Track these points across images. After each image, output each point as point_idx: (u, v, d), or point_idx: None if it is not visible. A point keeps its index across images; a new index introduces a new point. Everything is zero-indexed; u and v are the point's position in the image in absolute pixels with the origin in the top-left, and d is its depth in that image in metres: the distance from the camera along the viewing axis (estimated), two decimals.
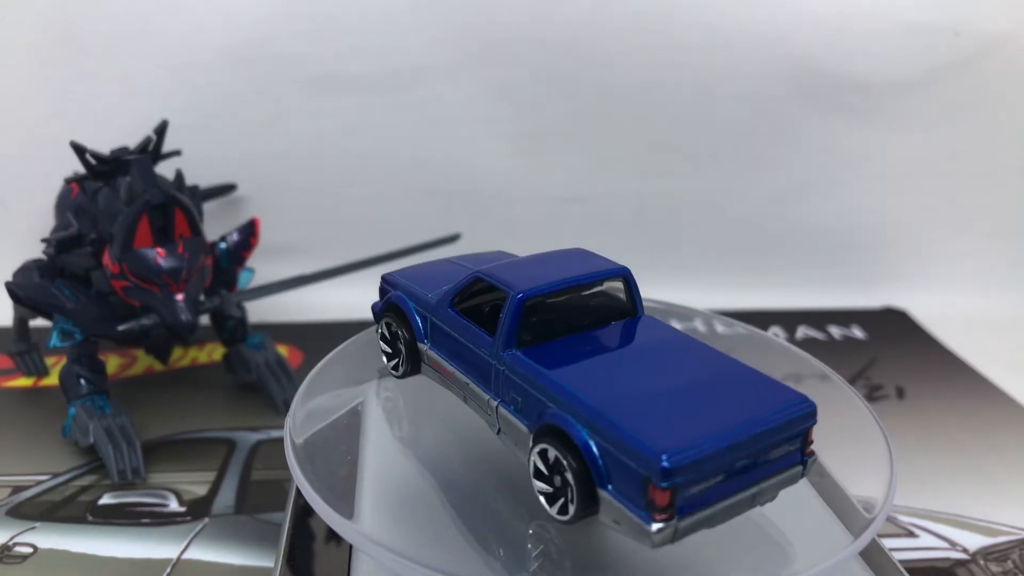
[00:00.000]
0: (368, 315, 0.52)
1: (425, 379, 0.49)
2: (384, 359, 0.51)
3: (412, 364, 0.48)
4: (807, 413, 0.37)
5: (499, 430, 0.42)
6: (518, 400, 0.40)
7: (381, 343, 0.51)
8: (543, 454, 0.38)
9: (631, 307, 0.45)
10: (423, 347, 0.47)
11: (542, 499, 0.38)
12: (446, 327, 0.45)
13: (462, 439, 0.48)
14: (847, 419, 0.47)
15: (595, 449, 0.35)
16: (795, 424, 0.37)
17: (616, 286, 0.45)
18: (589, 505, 0.36)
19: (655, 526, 0.34)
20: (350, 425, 0.50)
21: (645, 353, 0.41)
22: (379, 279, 0.52)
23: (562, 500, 0.37)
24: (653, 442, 0.33)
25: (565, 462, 0.36)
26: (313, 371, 0.50)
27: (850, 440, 0.43)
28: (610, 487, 0.35)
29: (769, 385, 0.38)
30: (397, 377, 0.50)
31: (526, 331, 0.41)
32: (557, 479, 0.37)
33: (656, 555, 0.39)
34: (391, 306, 0.49)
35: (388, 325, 0.50)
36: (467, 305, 0.45)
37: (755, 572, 0.39)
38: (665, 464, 0.33)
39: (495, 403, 0.42)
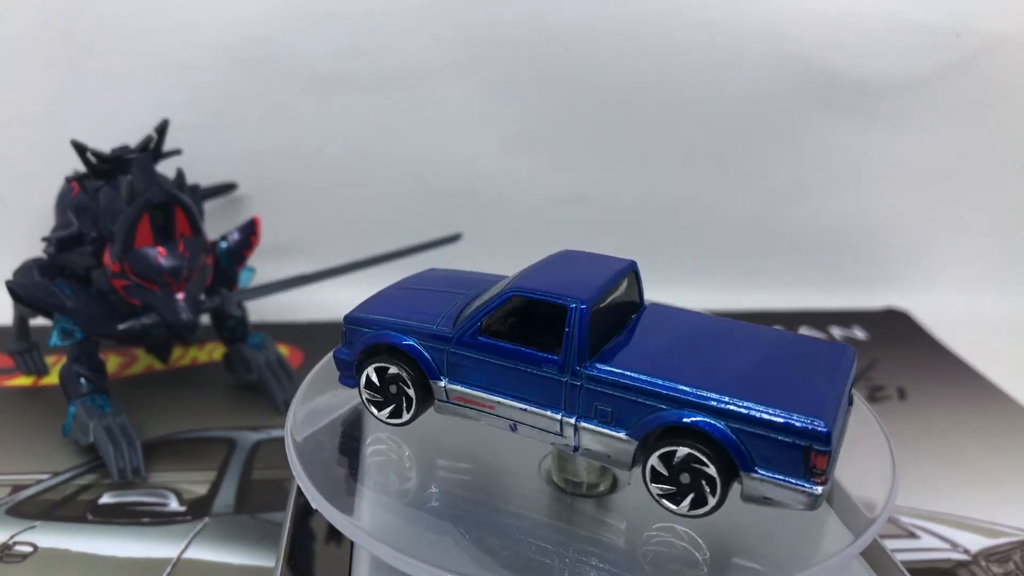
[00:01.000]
0: None
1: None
2: (373, 410, 0.46)
3: (421, 406, 0.44)
4: (853, 355, 0.43)
5: (577, 448, 0.40)
6: (608, 411, 0.39)
7: (366, 392, 0.45)
8: (665, 456, 0.38)
9: (638, 299, 0.46)
10: (440, 384, 0.43)
11: (665, 502, 0.39)
12: (478, 356, 0.42)
13: (462, 437, 0.48)
14: (850, 421, 0.47)
15: (734, 436, 0.37)
16: (853, 367, 0.42)
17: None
18: (726, 493, 0.38)
19: (819, 489, 0.36)
20: (350, 424, 0.50)
21: (695, 338, 0.43)
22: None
23: (692, 495, 0.38)
24: (803, 415, 0.36)
25: (703, 456, 0.37)
26: (313, 370, 0.50)
27: (852, 441, 0.43)
28: (757, 468, 0.37)
29: (810, 342, 0.44)
30: (398, 425, 0.45)
31: (593, 341, 0.40)
32: (684, 476, 0.38)
33: (657, 552, 0.39)
34: (378, 348, 0.44)
35: (381, 370, 0.44)
36: (499, 328, 0.42)
37: (757, 571, 0.39)
38: (824, 430, 0.36)
39: (572, 420, 0.40)
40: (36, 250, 0.62)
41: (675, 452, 0.38)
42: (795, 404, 0.37)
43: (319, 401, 0.49)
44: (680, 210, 0.88)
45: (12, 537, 0.51)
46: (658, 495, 0.39)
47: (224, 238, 0.67)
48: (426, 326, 0.43)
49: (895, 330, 0.83)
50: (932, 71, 0.84)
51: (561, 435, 0.41)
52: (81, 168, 0.61)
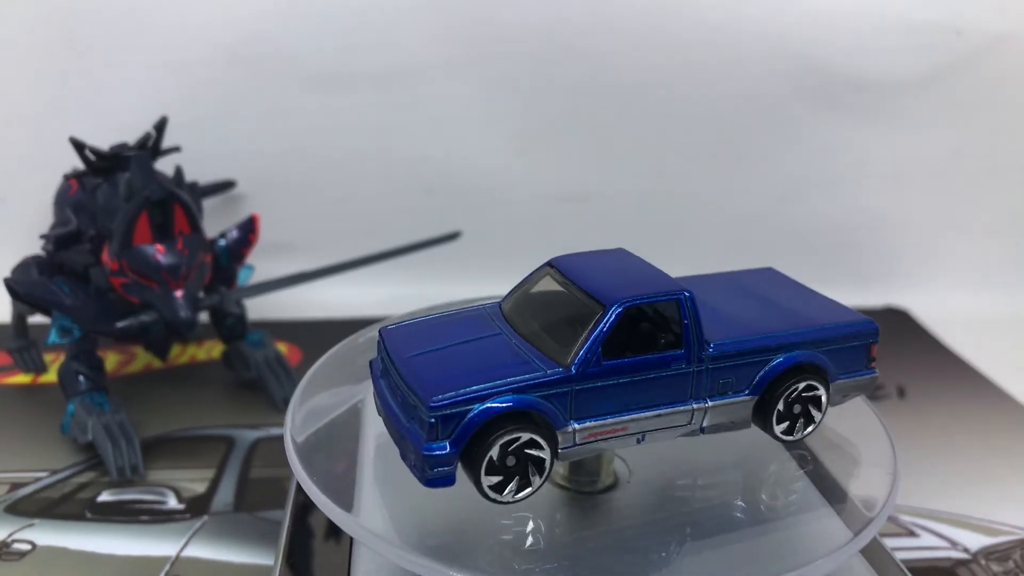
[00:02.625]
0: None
1: None
2: (496, 496, 0.38)
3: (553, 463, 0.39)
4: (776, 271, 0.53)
5: (703, 429, 0.42)
6: (731, 381, 0.42)
7: (486, 479, 0.38)
8: (788, 394, 0.43)
9: None
10: (568, 430, 0.39)
11: (785, 437, 0.43)
12: (604, 383, 0.39)
13: None
14: (850, 418, 0.47)
15: (826, 358, 0.43)
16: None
17: None
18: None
19: (876, 371, 0.45)
20: (349, 422, 0.50)
21: (737, 295, 0.47)
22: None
23: (803, 420, 0.44)
24: (855, 320, 0.45)
25: (816, 383, 0.43)
26: (313, 368, 0.50)
27: (853, 439, 0.43)
28: (840, 374, 0.44)
29: (771, 273, 0.52)
30: (529, 496, 0.39)
31: None
32: (796, 407, 0.43)
33: (659, 549, 0.39)
34: (505, 417, 0.37)
35: (507, 445, 0.37)
36: (614, 346, 0.39)
37: (756, 568, 0.39)
38: (875, 324, 0.45)
39: (702, 405, 0.41)
40: (34, 247, 0.62)
41: (795, 388, 0.42)
42: (838, 315, 0.45)
43: (318, 399, 0.49)
44: (680, 209, 0.88)
45: (10, 535, 0.51)
46: (781, 433, 0.43)
47: (223, 236, 0.66)
48: (536, 376, 0.38)
49: (894, 328, 0.83)
50: (932, 70, 0.84)
51: (690, 424, 0.41)
52: (79, 165, 0.61)
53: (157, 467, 0.58)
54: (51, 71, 0.80)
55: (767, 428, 0.43)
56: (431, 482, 0.37)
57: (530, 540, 0.40)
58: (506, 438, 0.37)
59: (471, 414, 0.37)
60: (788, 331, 0.43)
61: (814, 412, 0.44)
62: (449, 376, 0.38)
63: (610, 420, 0.40)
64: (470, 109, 0.84)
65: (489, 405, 0.37)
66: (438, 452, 0.36)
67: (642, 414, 0.40)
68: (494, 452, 0.37)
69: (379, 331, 0.42)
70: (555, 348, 0.39)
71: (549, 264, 0.44)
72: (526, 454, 0.38)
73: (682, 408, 0.41)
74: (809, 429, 0.44)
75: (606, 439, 0.40)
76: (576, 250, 0.45)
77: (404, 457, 0.38)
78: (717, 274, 0.50)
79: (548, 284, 0.43)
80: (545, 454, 0.38)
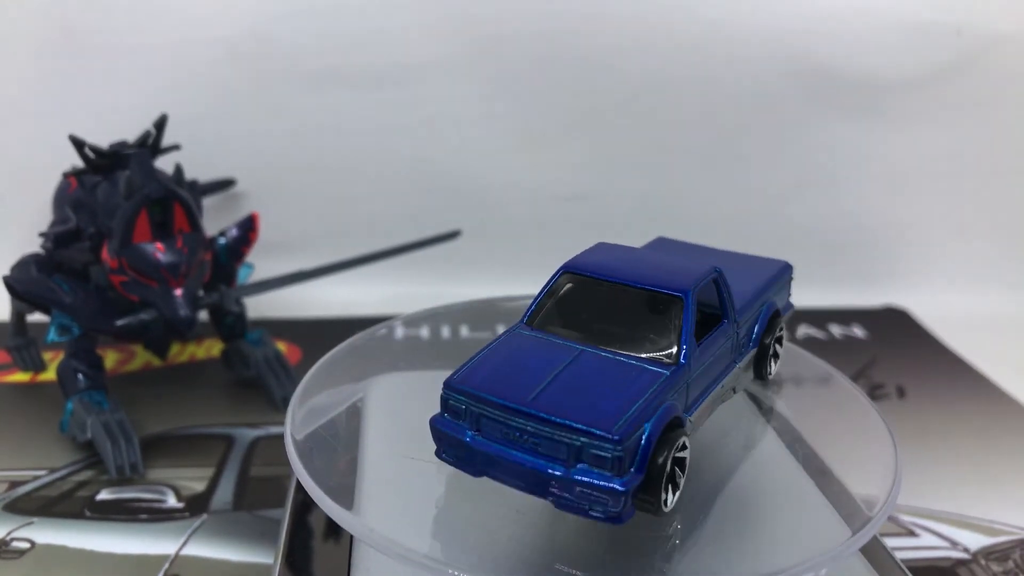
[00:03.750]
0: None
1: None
2: (664, 509, 0.36)
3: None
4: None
5: (734, 390, 0.45)
6: (745, 339, 0.45)
7: (666, 496, 0.36)
8: (775, 338, 0.48)
9: None
10: (688, 422, 0.39)
11: (768, 378, 0.48)
12: (700, 367, 0.39)
13: None
14: (851, 417, 0.47)
15: (778, 299, 0.50)
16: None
17: None
18: None
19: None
20: (350, 421, 0.50)
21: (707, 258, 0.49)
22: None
23: (772, 359, 0.48)
24: (781, 261, 0.52)
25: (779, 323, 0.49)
26: (315, 367, 0.50)
27: (855, 438, 0.43)
28: (784, 311, 0.50)
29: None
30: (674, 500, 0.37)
31: None
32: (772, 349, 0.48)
33: (658, 548, 0.39)
34: (665, 429, 0.36)
35: (668, 463, 0.36)
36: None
37: (754, 567, 0.39)
38: (790, 263, 0.53)
39: (738, 366, 0.44)
40: (34, 246, 0.62)
41: (780, 332, 0.49)
42: (763, 262, 0.51)
43: (319, 398, 0.49)
44: (679, 208, 0.88)
45: (9, 533, 0.51)
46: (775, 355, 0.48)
47: (223, 234, 0.66)
48: (663, 379, 0.37)
49: (894, 328, 0.83)
50: (932, 70, 0.84)
51: (733, 390, 0.44)
52: (79, 163, 0.61)
53: (156, 465, 0.58)
54: (51, 69, 0.80)
55: (762, 374, 0.47)
56: (626, 517, 0.35)
57: (529, 539, 0.40)
58: (676, 451, 0.36)
59: (645, 436, 0.35)
60: (763, 284, 0.47)
61: (779, 349, 0.49)
62: (598, 406, 0.35)
63: (704, 402, 0.40)
64: (470, 109, 0.84)
65: (651, 423, 0.35)
66: (634, 483, 0.34)
67: (716, 388, 0.42)
68: (668, 466, 0.36)
69: (449, 384, 0.38)
70: (647, 348, 0.39)
71: (566, 270, 0.42)
72: (677, 458, 0.37)
73: (731, 374, 0.43)
74: (777, 364, 0.49)
75: (700, 425, 0.40)
76: (576, 250, 0.45)
77: (565, 504, 0.35)
78: (632, 247, 0.48)
79: (576, 290, 0.42)
80: (687, 453, 0.37)
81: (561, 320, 0.41)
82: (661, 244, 0.54)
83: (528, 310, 0.42)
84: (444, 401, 0.38)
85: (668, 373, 0.37)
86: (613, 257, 0.43)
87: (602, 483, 0.34)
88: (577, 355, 0.38)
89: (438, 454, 0.38)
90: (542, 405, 0.35)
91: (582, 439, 0.34)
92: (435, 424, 0.38)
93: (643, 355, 0.38)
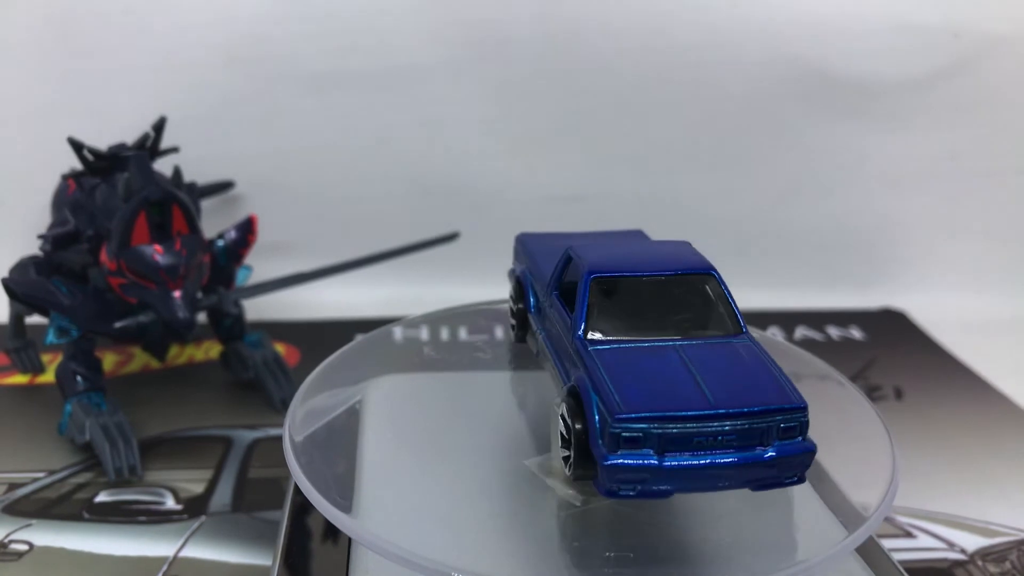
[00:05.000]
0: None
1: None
2: None
3: None
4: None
5: None
6: None
7: None
8: None
9: None
10: None
11: None
12: None
13: (461, 436, 0.48)
14: (849, 418, 0.47)
15: None
16: None
17: None
18: None
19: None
20: (348, 423, 0.50)
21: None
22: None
23: None
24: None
25: None
26: (317, 369, 0.50)
27: (853, 438, 0.43)
28: None
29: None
30: None
31: None
32: None
33: (654, 549, 0.39)
34: None
35: None
36: None
37: (751, 566, 0.39)
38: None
39: None
40: (32, 248, 0.62)
41: None
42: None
43: (317, 400, 0.49)
44: (677, 210, 0.88)
45: (8, 535, 0.51)
46: None
47: (221, 236, 0.66)
48: (755, 344, 0.40)
49: (892, 330, 0.83)
50: (929, 72, 0.85)
51: None
52: (78, 165, 0.61)
53: (155, 467, 0.58)
54: (50, 71, 0.80)
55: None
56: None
57: (529, 541, 0.40)
58: None
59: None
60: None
61: None
62: (764, 385, 0.37)
63: None
64: (468, 111, 0.84)
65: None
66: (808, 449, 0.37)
67: None
68: None
69: (622, 418, 0.35)
70: (712, 325, 0.40)
71: (589, 273, 0.42)
72: None
73: None
74: None
75: None
76: None
77: (765, 483, 0.37)
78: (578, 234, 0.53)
79: (605, 292, 0.41)
80: None
81: (618, 324, 0.40)
82: (528, 239, 0.55)
83: (580, 323, 0.40)
84: (616, 437, 0.35)
85: (749, 341, 0.40)
86: (608, 253, 0.44)
87: (802, 449, 0.36)
88: (679, 351, 0.39)
89: (612, 494, 0.36)
90: (725, 402, 0.36)
91: (778, 418, 0.35)
92: (613, 465, 0.35)
93: (719, 332, 0.40)
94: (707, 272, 0.42)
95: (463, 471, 0.45)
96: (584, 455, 0.37)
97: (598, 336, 0.40)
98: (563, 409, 0.39)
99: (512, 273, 0.54)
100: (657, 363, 0.38)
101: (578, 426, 0.37)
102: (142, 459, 0.58)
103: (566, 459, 0.38)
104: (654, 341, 0.39)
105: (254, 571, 0.49)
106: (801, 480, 0.37)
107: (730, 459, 0.35)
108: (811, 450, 0.37)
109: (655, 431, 0.35)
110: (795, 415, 0.36)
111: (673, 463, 0.35)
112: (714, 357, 0.38)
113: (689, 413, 0.35)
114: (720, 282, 0.42)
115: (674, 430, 0.35)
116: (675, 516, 0.41)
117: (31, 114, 0.80)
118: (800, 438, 0.36)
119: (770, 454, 0.36)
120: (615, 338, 0.39)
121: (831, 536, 0.39)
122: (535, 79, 0.83)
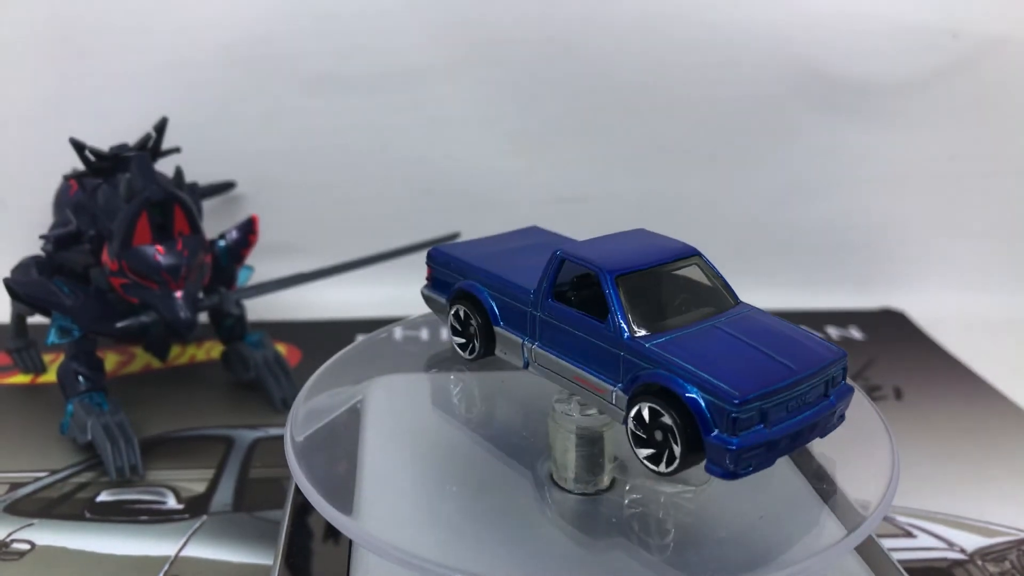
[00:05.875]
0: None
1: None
2: None
3: None
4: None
5: None
6: None
7: None
8: None
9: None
10: None
11: None
12: None
13: (460, 437, 0.48)
14: (849, 417, 0.47)
15: None
16: None
17: None
18: None
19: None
20: (349, 423, 0.50)
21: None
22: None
23: None
24: None
25: None
26: (319, 370, 0.50)
27: (853, 437, 0.43)
28: None
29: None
30: None
31: None
32: None
33: (653, 548, 0.39)
34: None
35: None
36: None
37: (750, 566, 0.39)
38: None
39: None
40: (34, 248, 0.62)
41: None
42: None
43: (319, 400, 0.49)
44: (677, 210, 0.88)
45: (10, 535, 0.51)
46: None
47: (223, 236, 0.67)
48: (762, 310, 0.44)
49: (891, 330, 0.83)
50: (928, 72, 0.85)
51: None
52: (80, 166, 0.61)
53: (156, 467, 0.58)
54: (51, 72, 0.80)
55: None
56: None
57: (528, 542, 0.40)
58: None
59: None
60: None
61: None
62: (805, 344, 0.41)
63: None
64: (469, 110, 0.84)
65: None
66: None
67: None
68: None
69: (739, 400, 0.36)
70: (719, 301, 0.43)
71: (610, 272, 0.42)
72: None
73: None
74: None
75: None
76: None
77: (829, 429, 0.41)
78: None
79: (631, 289, 0.42)
80: None
81: (649, 316, 0.41)
82: (451, 251, 0.53)
83: (623, 323, 0.40)
84: (735, 421, 0.36)
85: (751, 308, 0.43)
86: (607, 250, 0.44)
87: (848, 389, 0.41)
88: (720, 328, 0.41)
89: (735, 475, 0.36)
90: (803, 365, 0.39)
91: (833, 369, 0.40)
92: (739, 448, 0.36)
93: (727, 306, 0.43)
94: (695, 254, 0.44)
95: (463, 471, 0.45)
96: (689, 447, 0.37)
97: (644, 332, 0.40)
98: (639, 410, 0.39)
99: (445, 290, 0.50)
100: (716, 344, 0.40)
101: (671, 420, 0.37)
102: (143, 459, 0.58)
103: (651, 458, 0.39)
104: (693, 325, 0.41)
105: (255, 570, 0.49)
106: (843, 419, 0.41)
107: (812, 413, 0.39)
108: (852, 389, 0.41)
109: (765, 407, 0.37)
110: (842, 362, 0.40)
111: (778, 431, 0.37)
112: (751, 328, 0.41)
113: (785, 383, 0.37)
114: (706, 260, 0.44)
115: (775, 401, 0.37)
116: (674, 516, 0.41)
117: (33, 115, 0.81)
118: (844, 381, 0.41)
119: (832, 400, 0.40)
120: (659, 330, 0.40)
121: (830, 535, 0.39)
122: (535, 79, 0.83)
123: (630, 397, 0.39)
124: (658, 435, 0.38)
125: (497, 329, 0.47)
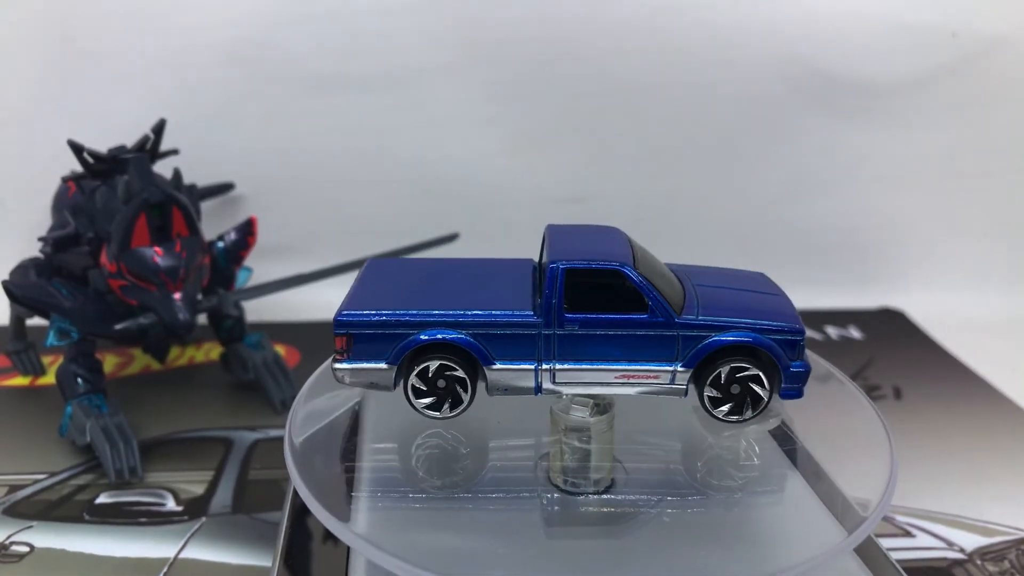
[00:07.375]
0: None
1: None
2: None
3: None
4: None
5: None
6: None
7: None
8: None
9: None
10: None
11: None
12: None
13: (459, 440, 0.48)
14: (848, 416, 0.47)
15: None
16: None
17: None
18: None
19: None
20: (348, 426, 0.50)
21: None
22: None
23: None
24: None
25: None
26: (317, 372, 0.50)
27: (851, 437, 0.43)
28: None
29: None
30: None
31: None
32: None
33: (651, 548, 0.39)
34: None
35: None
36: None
37: (749, 566, 0.39)
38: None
39: None
40: (33, 250, 0.62)
41: None
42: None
43: (318, 402, 0.49)
44: (677, 210, 0.88)
45: (9, 537, 0.51)
46: None
47: (221, 238, 0.67)
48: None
49: (891, 330, 0.83)
50: (927, 71, 0.85)
51: None
52: (78, 168, 0.61)
53: (155, 469, 0.58)
54: (50, 73, 0.80)
55: None
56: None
57: (526, 544, 0.40)
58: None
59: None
60: None
61: None
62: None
63: None
64: (468, 110, 0.84)
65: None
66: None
67: None
68: None
69: (799, 331, 0.45)
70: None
71: (629, 267, 0.44)
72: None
73: None
74: None
75: None
76: None
77: None
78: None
79: (645, 273, 0.45)
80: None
81: (669, 291, 0.45)
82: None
83: (667, 308, 0.44)
84: (802, 348, 0.45)
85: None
86: (596, 248, 0.47)
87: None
88: (706, 284, 0.48)
89: (800, 394, 0.44)
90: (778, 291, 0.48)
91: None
92: (804, 369, 0.44)
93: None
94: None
95: (461, 474, 0.45)
96: (771, 385, 0.44)
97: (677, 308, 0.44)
98: (717, 374, 0.43)
99: (383, 354, 0.45)
100: (731, 297, 0.46)
101: (756, 369, 0.43)
102: (142, 460, 0.58)
103: (733, 410, 0.44)
104: (692, 291, 0.46)
105: (254, 572, 0.49)
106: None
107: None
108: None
109: (801, 343, 0.45)
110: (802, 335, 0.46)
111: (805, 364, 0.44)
112: (714, 278, 0.48)
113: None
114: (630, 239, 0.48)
115: (800, 340, 0.45)
116: (674, 515, 0.41)
117: (31, 116, 0.81)
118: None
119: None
120: (683, 300, 0.45)
121: (829, 535, 0.39)
122: (535, 80, 0.83)
123: (697, 366, 0.43)
124: (734, 389, 0.43)
125: (491, 369, 0.44)
